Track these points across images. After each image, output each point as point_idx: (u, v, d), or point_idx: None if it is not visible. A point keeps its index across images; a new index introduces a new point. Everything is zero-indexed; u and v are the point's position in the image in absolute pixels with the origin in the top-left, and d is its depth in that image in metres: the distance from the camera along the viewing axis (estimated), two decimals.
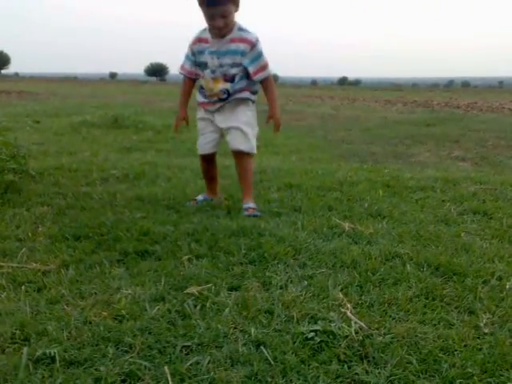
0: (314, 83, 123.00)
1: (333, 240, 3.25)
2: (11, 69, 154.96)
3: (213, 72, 3.72)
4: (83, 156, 6.29)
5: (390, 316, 2.25)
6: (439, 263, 2.83)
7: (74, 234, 3.24)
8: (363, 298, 2.42)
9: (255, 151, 3.91)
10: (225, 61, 3.68)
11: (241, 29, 3.68)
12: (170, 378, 1.74)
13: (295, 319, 2.18)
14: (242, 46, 3.65)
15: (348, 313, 2.23)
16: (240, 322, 2.17)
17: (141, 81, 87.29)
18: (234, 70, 3.70)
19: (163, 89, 42.79)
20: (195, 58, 3.79)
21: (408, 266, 2.79)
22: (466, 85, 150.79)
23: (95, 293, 2.42)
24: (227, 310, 2.27)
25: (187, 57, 3.82)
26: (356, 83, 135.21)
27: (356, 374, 1.82)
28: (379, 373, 1.82)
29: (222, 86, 3.73)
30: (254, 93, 3.89)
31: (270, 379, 1.77)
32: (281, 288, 2.52)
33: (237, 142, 3.82)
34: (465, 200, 4.28)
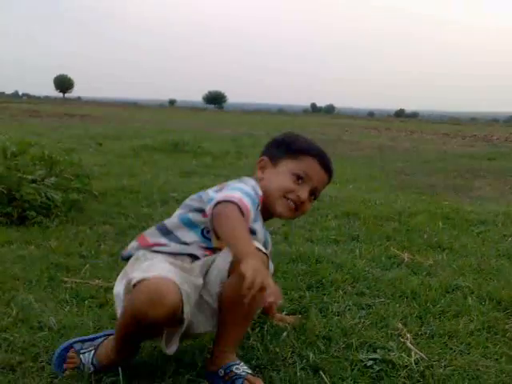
0: (370, 115, 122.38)
1: (391, 270, 3.22)
2: (74, 93, 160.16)
3: None
4: (144, 178, 6.43)
5: (451, 348, 2.22)
6: (501, 298, 2.77)
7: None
8: (423, 329, 2.39)
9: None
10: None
11: None
12: None
13: (354, 346, 2.17)
14: None
15: (408, 343, 2.21)
16: (298, 346, 2.18)
17: (199, 108, 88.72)
18: None
19: (221, 116, 43.39)
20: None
21: (469, 298, 2.74)
22: None
23: None
24: (285, 333, 2.28)
25: (255, 208, 1.99)
26: (413, 116, 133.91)
27: None
28: None
29: None
30: None
31: None
32: (339, 315, 2.51)
33: None
34: None
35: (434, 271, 3.21)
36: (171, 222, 2.06)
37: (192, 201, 2.09)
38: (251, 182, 2.10)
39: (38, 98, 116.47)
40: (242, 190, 1.95)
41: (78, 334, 2.17)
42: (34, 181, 4.12)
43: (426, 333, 2.35)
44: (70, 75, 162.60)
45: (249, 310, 1.88)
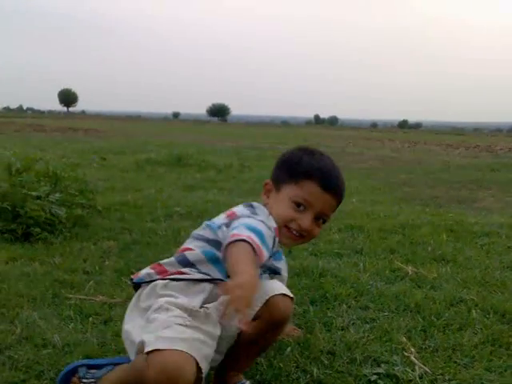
0: (374, 126, 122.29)
1: (395, 283, 3.22)
2: (78, 107, 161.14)
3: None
4: (148, 193, 6.45)
5: (455, 362, 2.21)
6: (505, 310, 2.77)
7: (139, 269, 3.29)
8: (427, 342, 2.39)
9: None
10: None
11: None
12: None
13: (358, 361, 2.17)
14: None
15: (412, 357, 2.21)
16: (302, 361, 2.18)
17: (203, 120, 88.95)
18: None
19: (224, 129, 43.50)
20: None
21: (473, 311, 2.73)
22: None
23: None
24: (289, 348, 2.28)
25: (267, 246, 1.83)
26: (417, 126, 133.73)
27: None
28: None
29: None
30: None
31: None
32: (343, 329, 2.52)
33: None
34: None
35: (438, 284, 3.20)
36: (193, 254, 1.92)
37: (203, 231, 1.98)
38: (263, 213, 1.98)
39: (43, 112, 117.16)
40: (250, 228, 1.81)
41: (82, 350, 2.19)
42: (38, 197, 4.14)
43: (430, 346, 2.35)
44: (74, 89, 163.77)
45: (266, 346, 1.95)
